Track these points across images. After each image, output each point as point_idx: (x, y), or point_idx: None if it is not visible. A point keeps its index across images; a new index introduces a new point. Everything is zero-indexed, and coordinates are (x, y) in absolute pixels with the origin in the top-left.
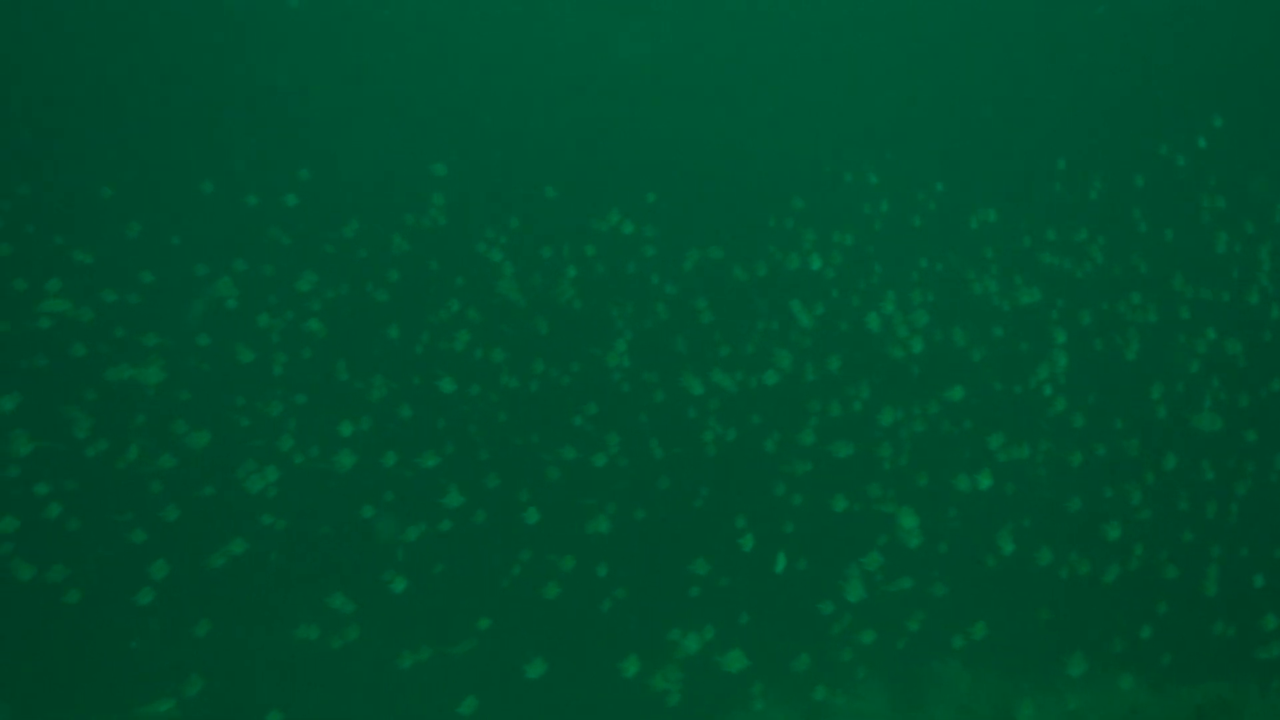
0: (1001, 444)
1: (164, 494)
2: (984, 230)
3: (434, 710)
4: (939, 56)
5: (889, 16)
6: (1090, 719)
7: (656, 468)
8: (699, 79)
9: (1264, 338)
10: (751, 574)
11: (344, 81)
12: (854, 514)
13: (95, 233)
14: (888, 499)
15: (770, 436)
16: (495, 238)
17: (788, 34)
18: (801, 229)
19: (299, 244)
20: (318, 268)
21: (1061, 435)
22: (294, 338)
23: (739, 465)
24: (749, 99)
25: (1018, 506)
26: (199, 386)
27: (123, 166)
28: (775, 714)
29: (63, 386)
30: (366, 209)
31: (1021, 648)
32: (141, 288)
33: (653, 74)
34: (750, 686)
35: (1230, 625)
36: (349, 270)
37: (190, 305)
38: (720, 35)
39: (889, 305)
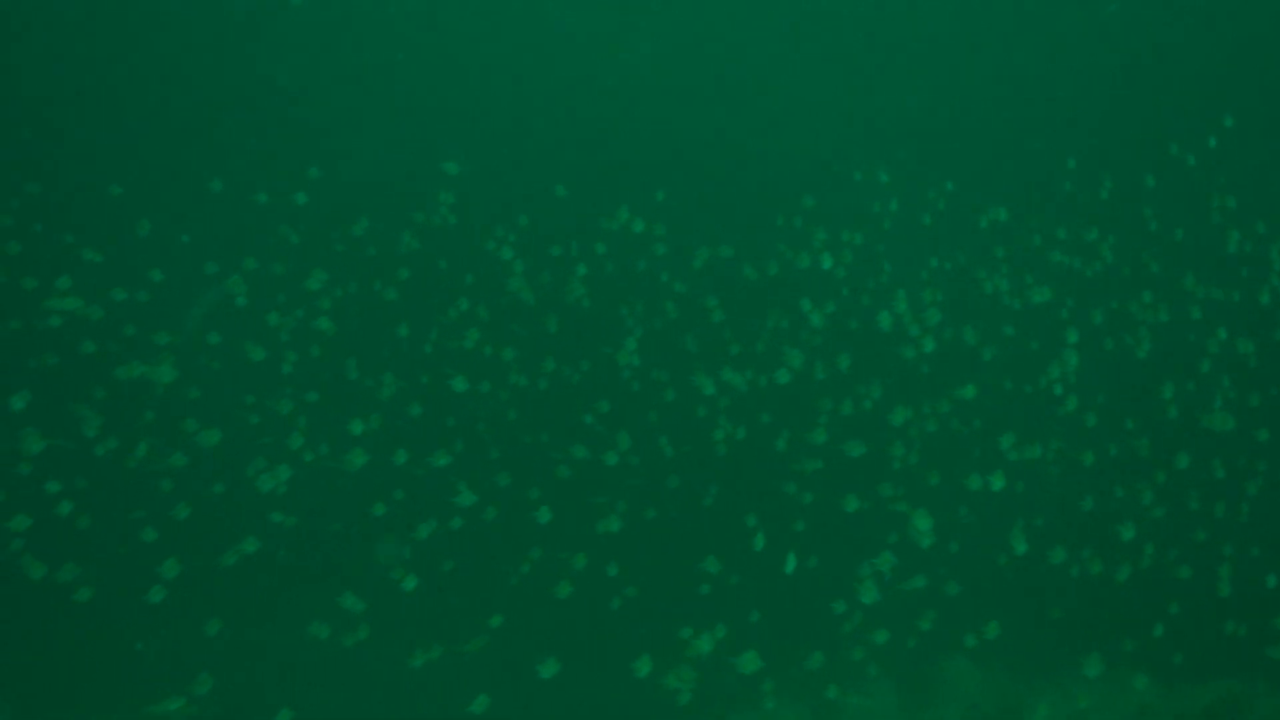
0: (1013, 443)
1: (175, 492)
2: (994, 229)
3: (446, 709)
4: (949, 55)
5: (899, 14)
6: (1100, 718)
7: (666, 466)
8: (709, 77)
9: (1275, 337)
10: (762, 572)
11: (353, 80)
12: (864, 512)
13: (105, 231)
14: (898, 498)
15: (780, 435)
16: (505, 236)
17: (797, 32)
18: (811, 228)
19: (308, 242)
20: (327, 266)
21: (1073, 434)
22: (304, 336)
23: (749, 464)
24: (759, 97)
25: (1029, 505)
26: (209, 385)
27: (132, 165)
28: (786, 712)
29: (73, 385)
30: (376, 207)
31: (1032, 647)
32: (151, 286)
33: (663, 72)
34: (761, 685)
35: (1241, 624)
36: (358, 268)
37: (191, 308)
38: (730, 33)
39: (900, 304)
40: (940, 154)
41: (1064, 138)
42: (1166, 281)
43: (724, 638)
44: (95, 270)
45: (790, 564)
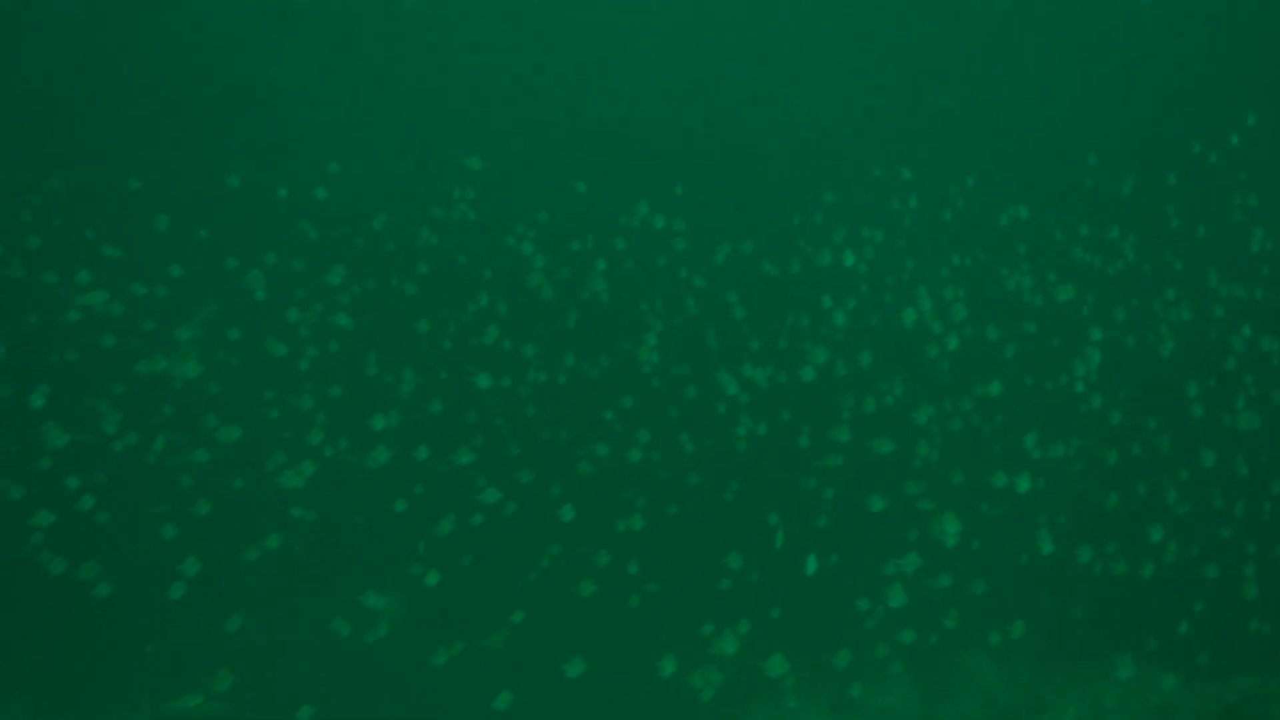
0: (1036, 441)
1: (195, 488)
2: (1015, 226)
3: (468, 705)
4: (970, 51)
5: (920, 12)
6: (1123, 715)
7: (687, 462)
8: (728, 73)
9: None
10: (783, 569)
11: (372, 76)
12: (887, 510)
13: (124, 226)
14: (921, 496)
15: (802, 432)
16: (524, 231)
17: (818, 28)
18: (832, 224)
19: (327, 238)
20: (347, 261)
21: (1096, 432)
22: (323, 331)
23: (770, 460)
24: (780, 93)
25: (1052, 503)
26: (229, 380)
27: (151, 160)
28: (808, 708)
29: (93, 380)
30: (395, 203)
31: (1055, 645)
32: (170, 281)
33: (684, 67)
34: (782, 681)
35: (1265, 622)
36: (378, 264)
37: (200, 307)
38: (750, 29)
39: (924, 301)
40: (961, 150)
41: (1085, 134)
42: (1189, 279)
43: (746, 634)
44: (114, 265)
45: (811, 566)
